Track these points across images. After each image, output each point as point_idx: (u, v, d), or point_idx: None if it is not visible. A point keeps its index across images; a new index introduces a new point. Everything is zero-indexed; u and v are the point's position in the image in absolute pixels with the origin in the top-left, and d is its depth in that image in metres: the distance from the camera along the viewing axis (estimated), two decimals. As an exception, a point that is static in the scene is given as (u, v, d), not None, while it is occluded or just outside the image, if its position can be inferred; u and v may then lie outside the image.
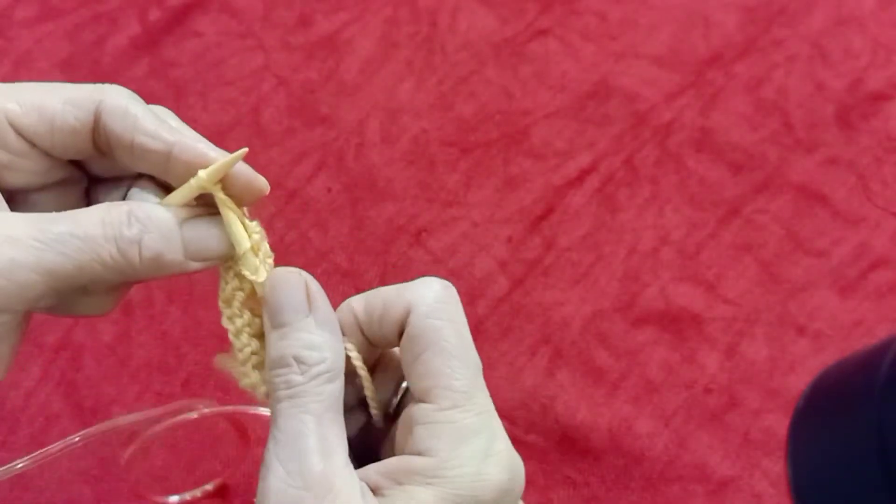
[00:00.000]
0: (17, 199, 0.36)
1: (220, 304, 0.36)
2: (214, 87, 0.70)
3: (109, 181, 0.37)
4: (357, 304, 0.36)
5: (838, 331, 0.62)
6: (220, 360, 0.38)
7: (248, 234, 0.35)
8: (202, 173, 0.33)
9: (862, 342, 0.61)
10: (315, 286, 0.34)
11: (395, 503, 0.32)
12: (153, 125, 0.34)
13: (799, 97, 0.70)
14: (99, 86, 0.35)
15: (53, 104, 0.34)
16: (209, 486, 0.57)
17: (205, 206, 0.35)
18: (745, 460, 0.58)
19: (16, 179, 0.35)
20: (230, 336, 0.36)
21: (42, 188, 0.36)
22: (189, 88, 0.70)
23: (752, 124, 0.69)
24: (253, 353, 0.36)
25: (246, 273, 0.35)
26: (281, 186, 0.66)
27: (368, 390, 0.36)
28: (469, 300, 0.63)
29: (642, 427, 0.59)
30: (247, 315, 0.36)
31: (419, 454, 0.33)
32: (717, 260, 0.64)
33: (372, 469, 0.33)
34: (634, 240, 0.65)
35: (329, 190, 0.67)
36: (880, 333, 0.61)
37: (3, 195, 0.34)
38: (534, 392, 0.60)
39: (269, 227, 0.67)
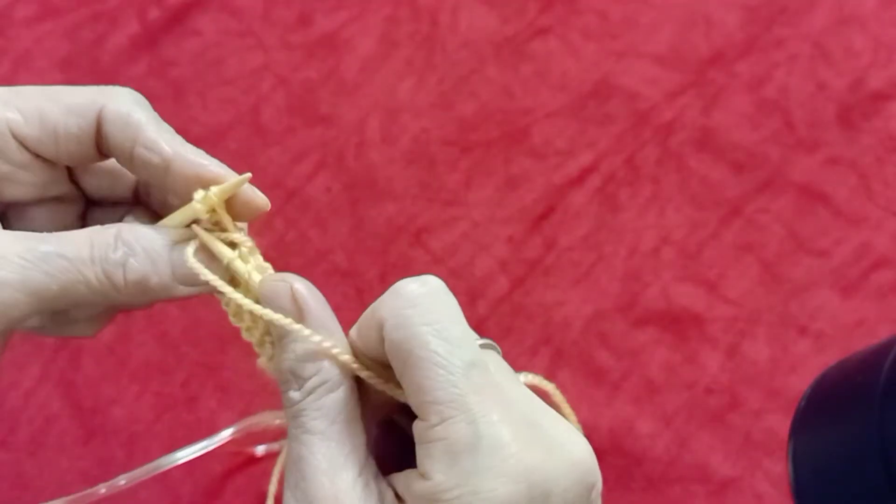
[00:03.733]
0: (13, 213, 0.35)
1: (231, 319, 0.35)
2: (214, 87, 0.70)
3: (106, 205, 0.37)
4: (353, 333, 0.34)
5: (840, 331, 0.62)
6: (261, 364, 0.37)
7: (233, 250, 0.34)
8: (197, 197, 0.33)
9: (863, 342, 0.60)
10: (303, 288, 0.32)
11: None
12: (153, 137, 0.33)
13: (800, 96, 0.69)
14: (103, 89, 0.34)
15: (55, 113, 0.33)
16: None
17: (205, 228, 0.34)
18: (746, 461, 0.58)
19: (14, 192, 0.34)
20: (255, 348, 0.35)
21: (39, 202, 0.35)
22: (188, 88, 0.70)
23: (754, 124, 0.68)
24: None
25: (231, 295, 0.33)
26: (280, 186, 0.66)
27: (390, 392, 0.33)
28: (469, 300, 0.63)
29: (643, 427, 0.59)
30: (262, 323, 0.34)
31: (421, 475, 0.30)
32: (718, 260, 0.64)
33: (402, 481, 0.31)
34: (635, 239, 0.65)
35: (329, 189, 0.67)
36: (882, 334, 0.60)
37: None
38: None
39: (268, 227, 0.67)
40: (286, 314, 0.32)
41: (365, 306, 0.33)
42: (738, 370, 0.60)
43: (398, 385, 0.32)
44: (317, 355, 0.31)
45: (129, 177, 0.36)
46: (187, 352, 0.61)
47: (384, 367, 0.33)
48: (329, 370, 0.31)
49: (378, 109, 0.69)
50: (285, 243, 0.65)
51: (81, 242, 0.32)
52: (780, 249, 0.64)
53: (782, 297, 0.63)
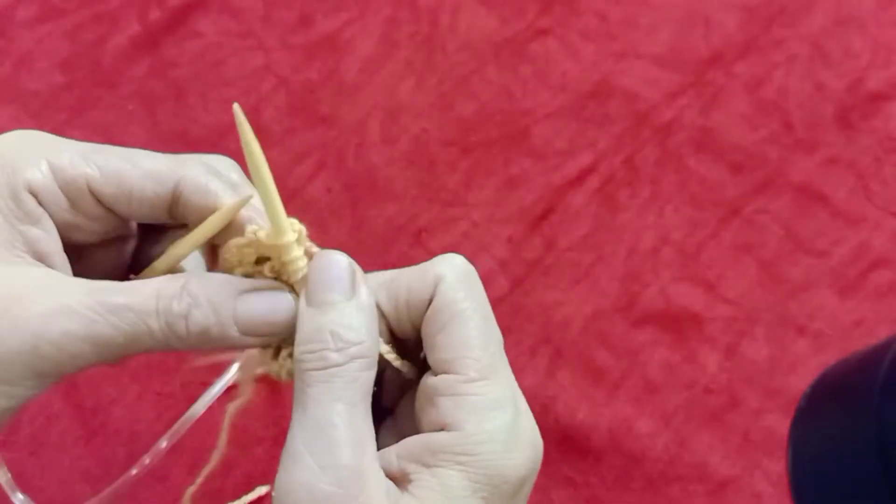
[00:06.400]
0: (73, 252, 0.36)
1: None
2: (214, 87, 0.70)
3: (157, 229, 0.38)
4: (379, 294, 0.35)
5: (838, 331, 0.62)
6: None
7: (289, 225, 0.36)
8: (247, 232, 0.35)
9: (862, 342, 0.61)
10: (360, 273, 0.34)
11: (426, 493, 0.31)
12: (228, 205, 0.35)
13: (799, 97, 0.69)
14: (180, 159, 0.35)
15: (133, 176, 0.34)
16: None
17: (273, 277, 0.34)
18: (745, 460, 0.58)
19: (81, 237, 0.35)
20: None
21: (100, 243, 0.36)
22: (189, 88, 0.70)
23: (753, 124, 0.69)
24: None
25: (288, 260, 0.34)
26: (281, 186, 0.66)
27: (410, 372, 0.36)
28: (469, 300, 0.63)
29: (642, 427, 0.59)
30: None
31: (443, 428, 0.32)
32: (717, 260, 0.64)
33: (392, 452, 0.32)
34: (635, 240, 0.65)
35: (329, 190, 0.67)
36: (880, 333, 0.61)
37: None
38: (534, 392, 0.60)
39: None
40: (341, 286, 0.33)
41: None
42: (737, 370, 0.61)
43: (402, 358, 0.35)
44: (360, 328, 0.32)
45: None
46: (188, 352, 0.61)
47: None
48: (370, 348, 0.32)
49: (378, 110, 0.70)
50: (286, 243, 0.65)
51: (149, 294, 0.32)
52: (779, 249, 0.65)
53: (781, 297, 0.63)
